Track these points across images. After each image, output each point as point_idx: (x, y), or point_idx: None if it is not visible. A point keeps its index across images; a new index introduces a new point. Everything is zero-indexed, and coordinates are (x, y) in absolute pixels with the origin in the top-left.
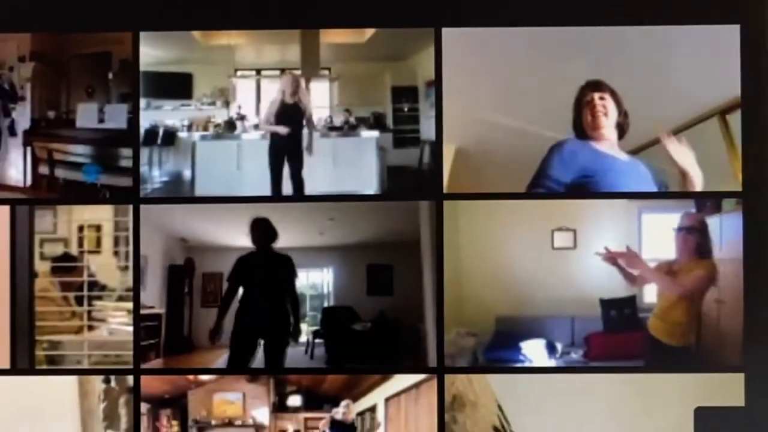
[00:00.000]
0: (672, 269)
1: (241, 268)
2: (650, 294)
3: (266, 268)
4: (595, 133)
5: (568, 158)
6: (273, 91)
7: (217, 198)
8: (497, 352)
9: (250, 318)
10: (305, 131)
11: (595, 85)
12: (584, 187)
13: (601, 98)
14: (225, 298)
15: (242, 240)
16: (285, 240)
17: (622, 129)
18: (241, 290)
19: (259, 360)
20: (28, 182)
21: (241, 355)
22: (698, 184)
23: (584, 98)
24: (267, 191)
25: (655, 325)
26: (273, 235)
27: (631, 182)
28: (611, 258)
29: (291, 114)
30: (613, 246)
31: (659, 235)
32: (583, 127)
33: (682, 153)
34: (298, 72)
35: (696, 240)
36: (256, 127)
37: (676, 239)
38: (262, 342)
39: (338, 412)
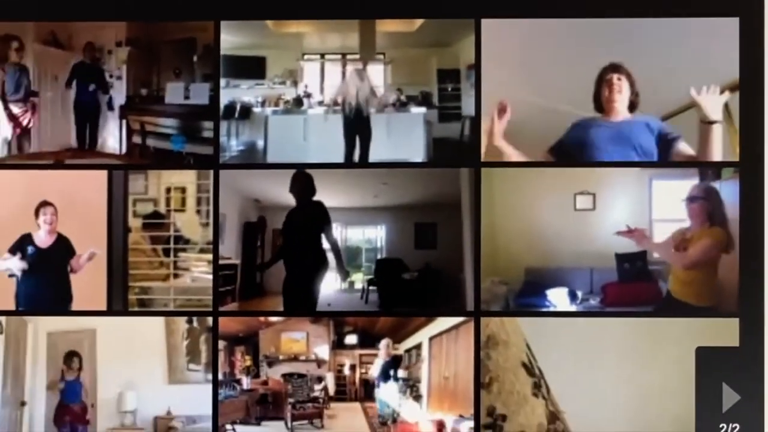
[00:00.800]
0: (685, 237)
1: (285, 221)
2: None
3: (304, 217)
4: (609, 105)
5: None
6: (337, 73)
7: (286, 164)
8: (526, 298)
9: (296, 265)
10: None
11: (614, 67)
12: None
13: (618, 78)
14: (275, 248)
15: None
16: (344, 201)
17: (633, 105)
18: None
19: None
20: (124, 150)
21: (295, 299)
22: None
23: (605, 76)
24: (329, 159)
25: (672, 286)
26: (311, 188)
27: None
28: (626, 236)
29: (357, 93)
30: (628, 209)
31: (667, 199)
32: (601, 100)
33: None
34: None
35: (705, 208)
36: (321, 103)
37: (687, 209)
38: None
39: (381, 351)
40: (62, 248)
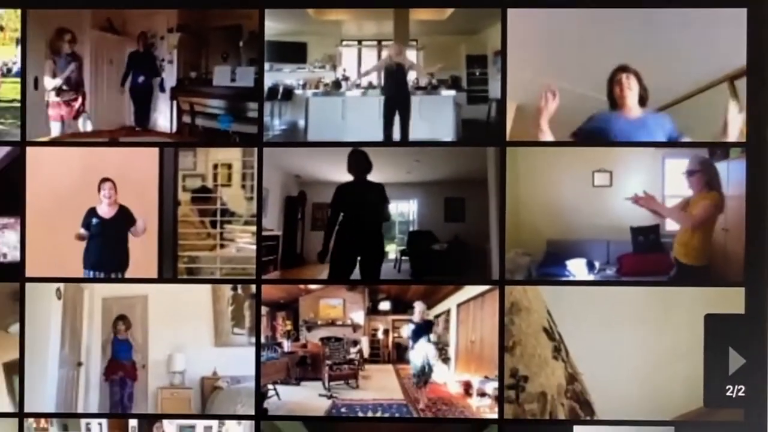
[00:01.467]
0: (688, 203)
1: (340, 196)
2: (671, 223)
3: (362, 195)
4: (621, 101)
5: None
6: (373, 58)
7: (326, 142)
8: (547, 268)
9: (349, 238)
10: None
11: (623, 68)
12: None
13: (627, 77)
14: (329, 223)
15: (345, 176)
16: (379, 177)
17: (643, 99)
18: (341, 215)
19: (355, 273)
20: (174, 129)
21: (342, 269)
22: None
23: (615, 77)
24: (365, 137)
25: (677, 249)
26: (368, 166)
27: (640, 134)
28: (638, 201)
29: (396, 73)
30: (642, 186)
31: (679, 176)
32: (614, 97)
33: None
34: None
35: (703, 178)
36: (358, 86)
37: (688, 180)
38: (359, 258)
39: (414, 315)
40: (123, 217)
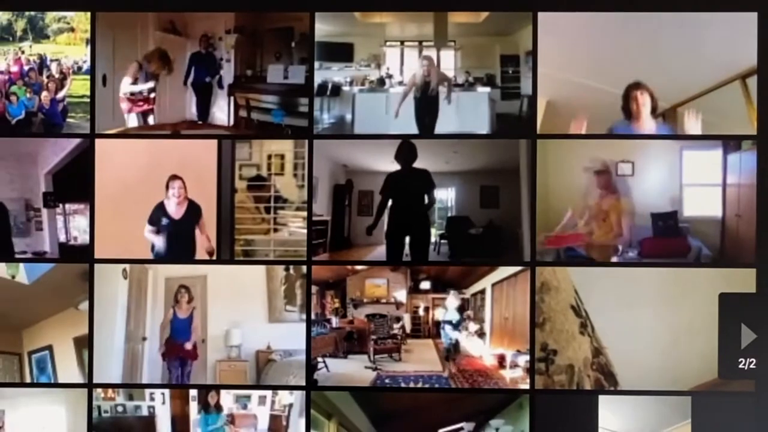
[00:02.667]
0: (600, 206)
1: (390, 182)
2: (689, 209)
3: (409, 182)
4: (636, 115)
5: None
6: (414, 58)
7: (371, 135)
8: (575, 251)
9: (398, 221)
10: (442, 88)
11: (637, 85)
12: None
13: (641, 93)
14: (380, 205)
15: (388, 165)
16: (419, 166)
17: (654, 109)
18: (390, 200)
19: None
20: (231, 122)
21: (393, 249)
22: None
23: (630, 94)
24: (407, 130)
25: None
26: (415, 155)
27: None
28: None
29: (425, 91)
30: (661, 175)
31: (695, 166)
32: (630, 110)
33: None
34: (431, 52)
35: (609, 178)
36: (400, 83)
37: (596, 178)
38: (408, 239)
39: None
40: (192, 214)
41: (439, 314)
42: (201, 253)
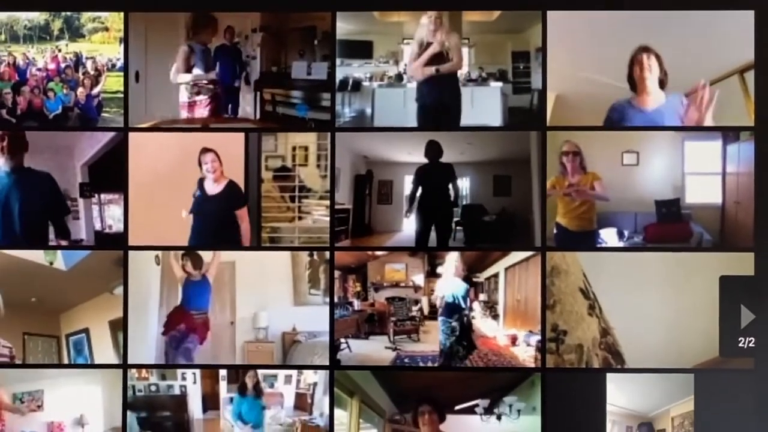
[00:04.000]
0: (571, 183)
1: (419, 175)
2: (691, 196)
3: (435, 175)
4: (641, 84)
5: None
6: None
7: (390, 127)
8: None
9: (425, 210)
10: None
11: (644, 49)
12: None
13: (648, 57)
14: (411, 195)
15: (406, 156)
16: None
17: (662, 83)
18: (419, 191)
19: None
20: (258, 116)
21: (420, 234)
22: None
23: (636, 57)
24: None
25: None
26: (440, 151)
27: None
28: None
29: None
30: (664, 164)
31: (696, 156)
32: (634, 79)
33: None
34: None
35: (578, 159)
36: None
37: (566, 158)
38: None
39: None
40: (231, 196)
41: (438, 290)
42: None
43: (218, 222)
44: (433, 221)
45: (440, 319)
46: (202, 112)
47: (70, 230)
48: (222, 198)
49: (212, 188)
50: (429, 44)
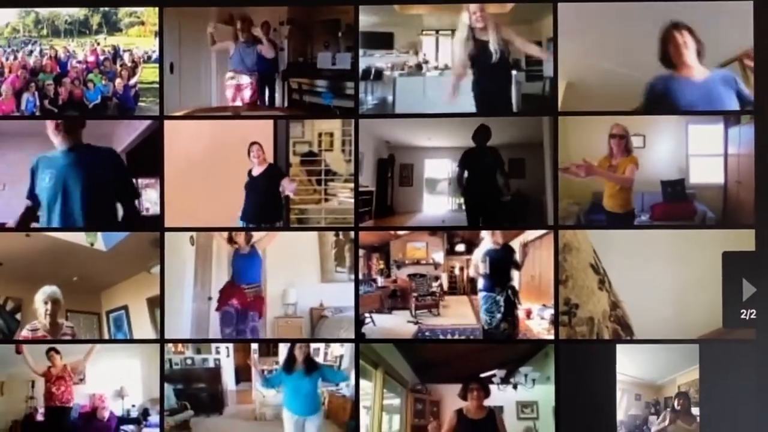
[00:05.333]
0: (612, 164)
1: (465, 158)
2: (695, 176)
3: (481, 158)
4: (679, 60)
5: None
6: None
7: (410, 114)
8: (593, 215)
9: (472, 191)
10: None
11: (675, 25)
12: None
13: (681, 34)
14: (458, 177)
15: (425, 141)
16: (454, 141)
17: (700, 54)
18: (465, 174)
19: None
20: (286, 104)
21: (471, 214)
22: None
23: (667, 36)
24: (442, 110)
25: (606, 201)
26: (488, 135)
27: (703, 96)
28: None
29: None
30: (670, 146)
31: (700, 139)
32: (670, 57)
33: None
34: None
35: (623, 142)
36: (435, 68)
37: (611, 142)
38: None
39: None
40: (273, 174)
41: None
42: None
43: (264, 196)
44: (478, 202)
45: (482, 294)
46: (244, 94)
47: (140, 213)
48: (265, 176)
49: (256, 170)
50: (480, 41)
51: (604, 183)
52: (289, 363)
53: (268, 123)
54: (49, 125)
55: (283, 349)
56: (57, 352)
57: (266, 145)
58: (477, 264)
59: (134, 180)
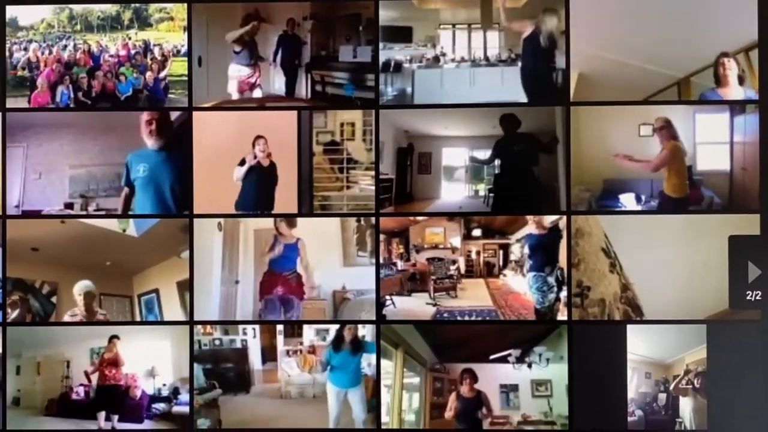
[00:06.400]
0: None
1: (497, 146)
2: (701, 163)
3: (512, 145)
4: (724, 79)
5: None
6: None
7: (428, 105)
8: (604, 201)
9: (503, 177)
10: None
11: (725, 54)
12: None
13: (728, 60)
14: (488, 162)
15: (443, 130)
16: (471, 131)
17: (741, 79)
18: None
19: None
20: (309, 96)
21: (500, 200)
22: None
23: (719, 60)
24: (459, 100)
25: (666, 186)
26: (518, 123)
27: None
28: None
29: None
30: (680, 136)
31: (706, 127)
32: (719, 75)
33: None
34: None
35: (668, 132)
36: (452, 60)
37: (657, 135)
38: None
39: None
40: (272, 170)
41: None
42: (282, 203)
43: (262, 187)
44: (516, 185)
45: (531, 275)
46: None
47: None
48: (269, 172)
49: (264, 162)
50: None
51: (625, 170)
52: (338, 342)
53: (292, 114)
54: (144, 129)
55: (308, 331)
56: (118, 338)
57: (290, 135)
58: (520, 248)
59: None
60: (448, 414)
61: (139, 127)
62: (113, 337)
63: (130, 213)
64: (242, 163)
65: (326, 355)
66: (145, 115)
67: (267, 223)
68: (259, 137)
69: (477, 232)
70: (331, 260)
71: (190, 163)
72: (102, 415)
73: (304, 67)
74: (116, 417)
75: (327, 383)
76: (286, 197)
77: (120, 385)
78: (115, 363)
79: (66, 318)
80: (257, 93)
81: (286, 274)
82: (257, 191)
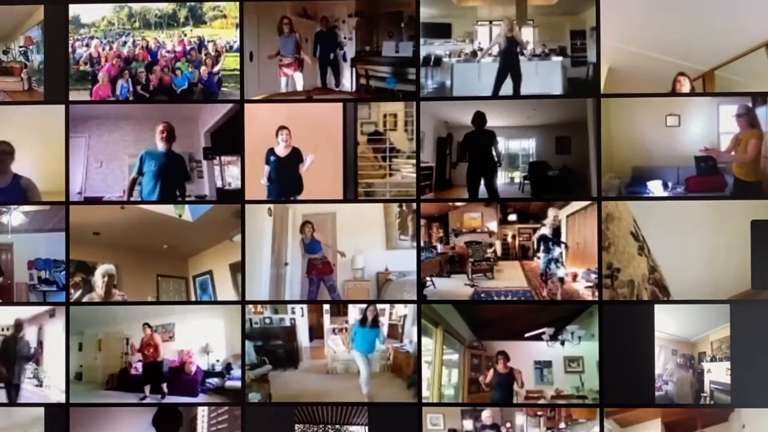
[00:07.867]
0: (738, 138)
1: (466, 139)
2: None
3: (479, 139)
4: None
5: None
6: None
7: (466, 97)
8: (633, 187)
9: (474, 167)
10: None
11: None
12: None
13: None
14: (459, 154)
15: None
16: (507, 122)
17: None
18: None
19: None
20: (353, 89)
21: (472, 187)
22: None
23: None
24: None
25: (735, 170)
26: (484, 120)
27: None
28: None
29: (509, 46)
30: (701, 126)
31: (729, 117)
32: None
33: None
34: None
35: (747, 119)
36: (489, 55)
37: (737, 120)
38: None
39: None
40: (295, 156)
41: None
42: (327, 190)
43: (288, 175)
44: (481, 177)
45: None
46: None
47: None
48: (290, 157)
49: (283, 152)
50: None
51: (653, 158)
52: (363, 320)
53: (337, 106)
54: (157, 135)
55: (353, 310)
56: (149, 326)
57: (336, 126)
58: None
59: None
60: (484, 381)
61: (195, 119)
62: (145, 324)
63: (187, 198)
64: (267, 161)
65: (353, 329)
66: (159, 126)
67: (313, 208)
68: (282, 128)
69: (513, 217)
70: (375, 243)
71: (242, 152)
72: (147, 387)
73: (344, 62)
74: (164, 385)
75: (353, 351)
76: (331, 183)
77: (160, 362)
78: (151, 344)
79: (85, 299)
80: (297, 80)
81: (316, 257)
82: (281, 179)
